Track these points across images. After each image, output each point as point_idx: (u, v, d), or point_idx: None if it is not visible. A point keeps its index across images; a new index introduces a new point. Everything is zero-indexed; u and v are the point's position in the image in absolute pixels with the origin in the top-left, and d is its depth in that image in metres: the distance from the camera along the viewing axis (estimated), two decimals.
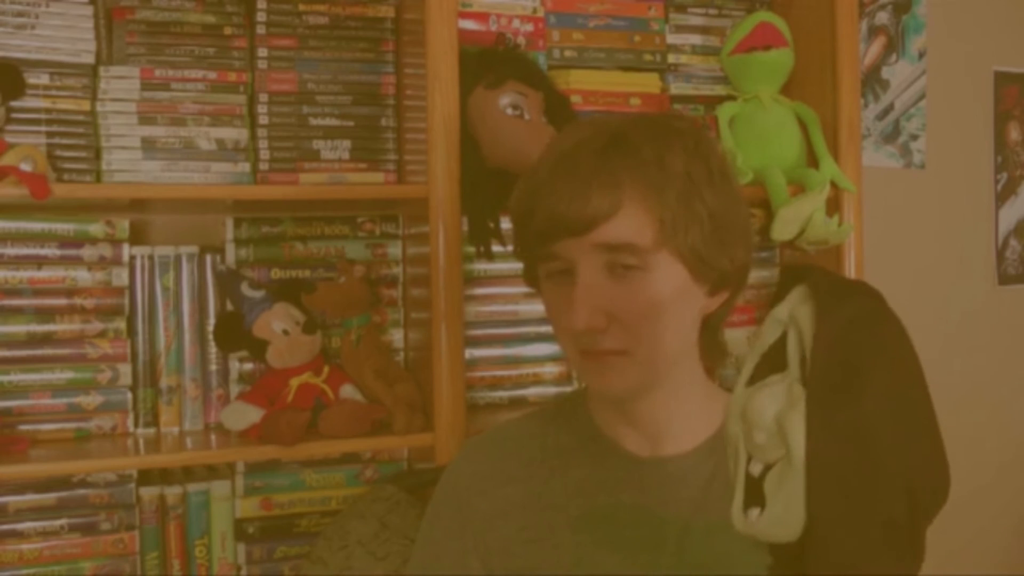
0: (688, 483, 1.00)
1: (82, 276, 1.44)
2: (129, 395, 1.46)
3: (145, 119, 1.44)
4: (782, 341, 0.68)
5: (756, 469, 0.66)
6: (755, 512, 0.66)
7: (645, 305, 0.93)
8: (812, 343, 0.63)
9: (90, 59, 1.42)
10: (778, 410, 0.64)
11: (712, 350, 1.03)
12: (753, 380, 0.69)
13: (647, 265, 0.93)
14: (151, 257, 1.48)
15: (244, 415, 1.42)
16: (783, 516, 0.64)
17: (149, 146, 1.44)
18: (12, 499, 1.40)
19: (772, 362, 0.68)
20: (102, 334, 1.45)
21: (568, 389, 1.65)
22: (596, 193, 0.91)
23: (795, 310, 0.67)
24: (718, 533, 0.97)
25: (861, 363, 0.62)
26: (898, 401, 0.63)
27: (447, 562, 1.05)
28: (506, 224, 1.46)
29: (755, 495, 0.66)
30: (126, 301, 1.47)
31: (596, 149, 0.93)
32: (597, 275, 0.93)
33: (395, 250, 1.60)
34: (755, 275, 1.82)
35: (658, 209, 0.92)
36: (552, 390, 1.66)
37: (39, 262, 1.42)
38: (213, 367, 1.51)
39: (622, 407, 1.01)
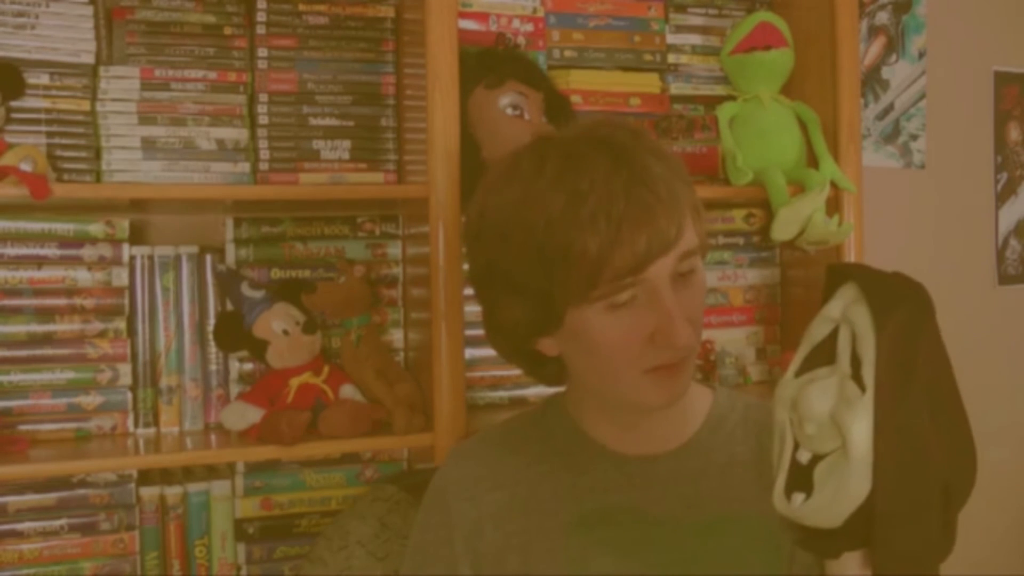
0: (678, 481, 1.00)
1: (82, 276, 1.44)
2: (129, 395, 1.46)
3: (145, 119, 1.44)
4: (831, 335, 0.71)
5: (804, 457, 0.69)
6: (799, 497, 0.69)
7: (702, 301, 0.96)
8: (875, 354, 0.66)
9: (90, 59, 1.42)
10: (832, 406, 0.67)
11: None
12: (802, 370, 0.72)
13: (696, 262, 0.95)
14: (151, 257, 1.48)
15: (244, 415, 1.42)
16: (828, 505, 0.67)
17: (149, 146, 1.44)
18: (12, 499, 1.40)
19: (821, 353, 0.72)
20: (102, 334, 1.45)
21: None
22: (671, 205, 0.90)
23: (848, 310, 0.70)
24: (711, 530, 0.98)
25: (911, 370, 0.66)
26: (936, 401, 0.67)
27: (437, 568, 1.05)
28: None
29: (800, 481, 0.69)
30: (126, 301, 1.47)
31: (643, 165, 0.91)
32: (673, 287, 0.92)
33: (395, 250, 1.60)
34: (755, 275, 1.83)
35: (691, 201, 0.94)
36: (552, 390, 1.65)
37: (39, 262, 1.42)
38: (213, 367, 1.51)
39: (636, 413, 1.01)
